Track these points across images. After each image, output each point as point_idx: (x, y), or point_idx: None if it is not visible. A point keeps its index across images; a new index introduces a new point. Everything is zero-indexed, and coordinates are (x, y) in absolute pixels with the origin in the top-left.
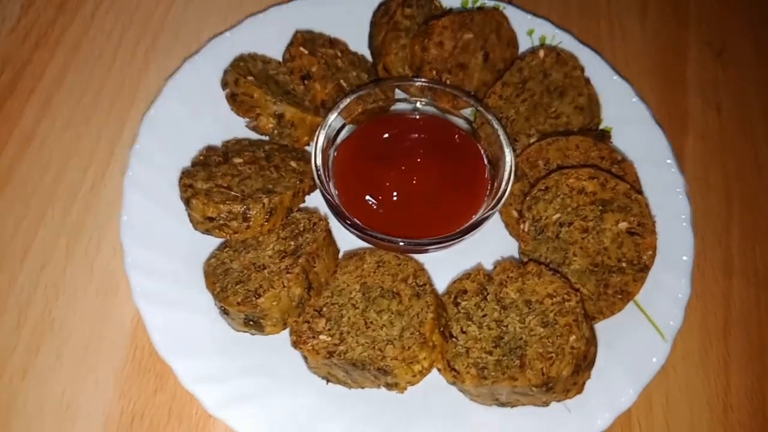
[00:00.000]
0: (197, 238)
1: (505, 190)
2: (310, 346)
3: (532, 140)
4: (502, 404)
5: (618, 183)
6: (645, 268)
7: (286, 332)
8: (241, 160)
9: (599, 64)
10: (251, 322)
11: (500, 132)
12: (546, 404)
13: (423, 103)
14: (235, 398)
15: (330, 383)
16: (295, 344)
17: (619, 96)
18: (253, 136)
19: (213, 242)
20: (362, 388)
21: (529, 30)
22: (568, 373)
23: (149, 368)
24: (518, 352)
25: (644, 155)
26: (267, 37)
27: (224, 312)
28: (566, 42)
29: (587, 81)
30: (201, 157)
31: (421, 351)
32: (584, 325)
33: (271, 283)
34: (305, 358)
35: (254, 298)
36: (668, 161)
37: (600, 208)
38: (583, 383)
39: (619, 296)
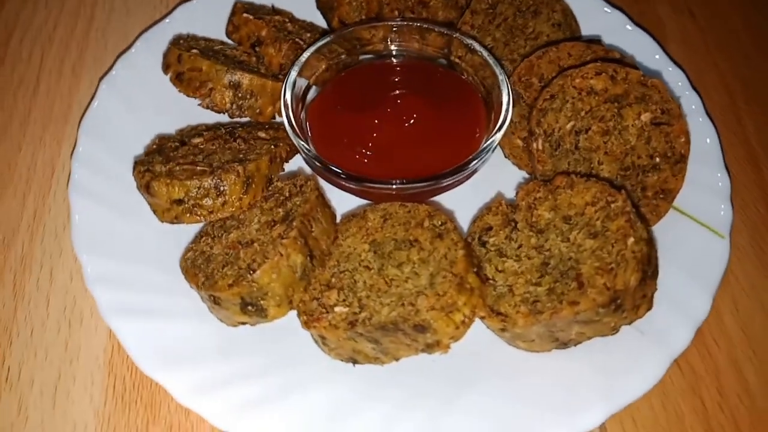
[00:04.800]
0: (164, 238)
1: (507, 109)
2: (326, 322)
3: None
4: (564, 344)
5: (629, 72)
6: (682, 158)
7: (291, 319)
8: (201, 140)
9: None
10: (250, 307)
11: (484, 53)
12: (615, 330)
13: (391, 48)
14: (247, 405)
15: (357, 365)
16: (307, 324)
17: (591, 8)
18: (209, 121)
19: (184, 239)
20: (396, 360)
21: None
22: (636, 282)
23: (134, 400)
24: (571, 274)
25: (637, 58)
26: (203, 22)
27: (215, 302)
28: None
29: None
30: (154, 146)
31: (459, 295)
32: (639, 224)
33: (265, 254)
34: (322, 339)
35: (249, 275)
36: (662, 59)
37: (616, 104)
38: (652, 295)
39: (662, 196)
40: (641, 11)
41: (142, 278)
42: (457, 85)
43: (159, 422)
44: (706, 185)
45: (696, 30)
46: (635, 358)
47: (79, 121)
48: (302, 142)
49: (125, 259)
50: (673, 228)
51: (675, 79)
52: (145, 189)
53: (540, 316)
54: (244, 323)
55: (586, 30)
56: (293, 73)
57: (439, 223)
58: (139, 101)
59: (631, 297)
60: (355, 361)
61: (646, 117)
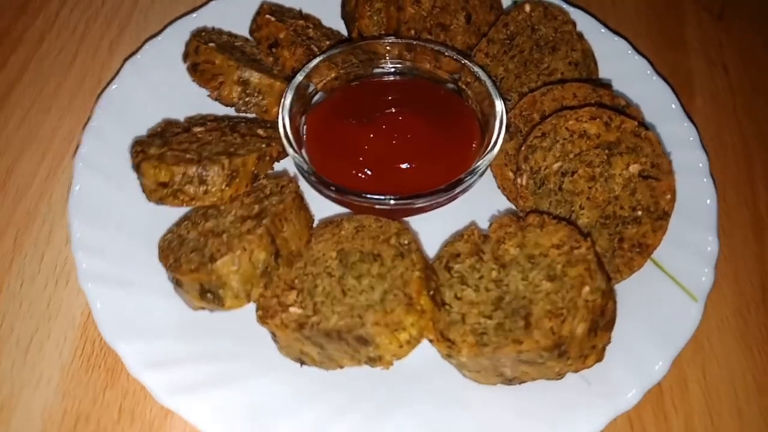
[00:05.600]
0: (155, 218)
1: (497, 138)
2: (278, 320)
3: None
4: (509, 381)
5: (624, 121)
6: (664, 215)
7: (252, 311)
8: (202, 129)
9: (590, 22)
10: (209, 295)
11: (488, 83)
12: (560, 376)
13: (402, 66)
14: (190, 386)
15: (305, 365)
16: (261, 319)
17: (616, 52)
18: (219, 113)
19: (174, 220)
20: (341, 367)
21: None
22: (584, 332)
23: (99, 364)
24: (522, 312)
25: (650, 109)
26: (234, 18)
27: (178, 285)
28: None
29: (580, 36)
30: (158, 129)
31: (407, 316)
32: (599, 275)
33: (229, 246)
34: (274, 336)
35: (209, 264)
36: (677, 112)
37: (606, 151)
38: (603, 348)
39: (637, 250)
40: (675, 61)
41: (124, 251)
42: (458, 110)
43: (116, 388)
44: (694, 246)
45: (726, 87)
46: (577, 408)
47: (98, 96)
48: (289, 146)
49: (114, 231)
50: (648, 283)
51: (687, 135)
52: (136, 168)
53: (484, 348)
54: (203, 308)
55: (606, 73)
56: (299, 77)
57: (405, 242)
58: (157, 85)
59: (578, 346)
60: (302, 362)
61: (634, 168)
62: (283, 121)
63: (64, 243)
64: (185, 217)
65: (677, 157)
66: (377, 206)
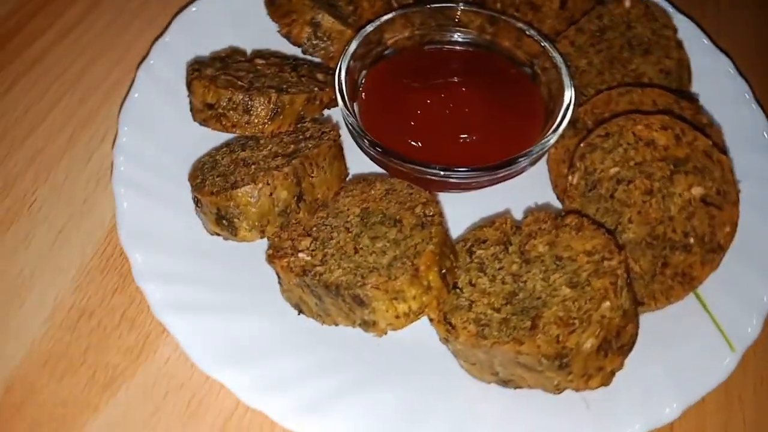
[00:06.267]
0: (201, 139)
1: (558, 127)
2: (285, 262)
3: None
4: (503, 382)
5: (697, 137)
6: (718, 249)
7: (264, 248)
8: (263, 62)
9: (694, 31)
10: (224, 221)
11: (563, 71)
12: (558, 390)
13: (480, 38)
14: (186, 305)
15: (302, 314)
16: (270, 258)
17: (715, 68)
18: (290, 53)
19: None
20: (336, 324)
21: None
22: (592, 349)
23: (115, 267)
24: (532, 313)
25: (737, 136)
26: None
27: (198, 205)
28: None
29: (679, 44)
30: (222, 54)
31: (411, 287)
32: (624, 293)
33: (253, 177)
34: (279, 277)
35: (230, 190)
36: (766, 144)
37: (671, 166)
38: (612, 372)
39: (680, 280)
40: None
41: (162, 165)
42: (526, 94)
43: (124, 294)
44: (746, 291)
45: None
46: (566, 428)
47: (173, 17)
48: (340, 95)
49: (159, 143)
50: (684, 318)
51: None
52: (188, 85)
53: (483, 341)
54: (218, 234)
55: (699, 88)
56: (369, 28)
57: (430, 213)
58: (235, 14)
59: (582, 362)
60: (300, 310)
61: (697, 191)
62: (341, 69)
63: (113, 148)
64: (226, 143)
65: (753, 191)
66: (415, 174)
